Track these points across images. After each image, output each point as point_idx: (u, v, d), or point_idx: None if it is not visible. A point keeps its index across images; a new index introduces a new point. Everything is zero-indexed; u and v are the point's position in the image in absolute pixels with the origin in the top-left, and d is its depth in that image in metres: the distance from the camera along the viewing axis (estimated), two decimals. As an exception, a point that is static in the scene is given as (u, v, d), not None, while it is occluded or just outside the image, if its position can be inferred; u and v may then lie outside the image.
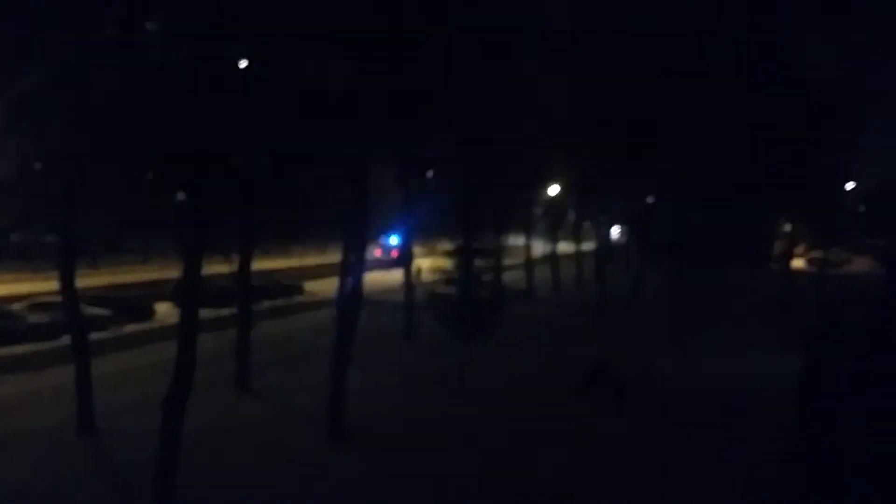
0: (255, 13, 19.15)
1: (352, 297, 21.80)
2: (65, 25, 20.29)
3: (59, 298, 22.39)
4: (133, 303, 35.23)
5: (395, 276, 38.96)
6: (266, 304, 38.95)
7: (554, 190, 55.85)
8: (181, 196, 21.94)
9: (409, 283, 34.88)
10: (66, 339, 23.20)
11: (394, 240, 46.53)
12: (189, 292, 16.10)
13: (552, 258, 56.05)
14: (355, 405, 21.38)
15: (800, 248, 69.69)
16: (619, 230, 61.72)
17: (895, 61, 32.91)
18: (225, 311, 29.14)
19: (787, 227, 59.89)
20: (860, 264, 70.60)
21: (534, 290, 50.05)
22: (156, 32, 21.90)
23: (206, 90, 15.92)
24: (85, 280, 28.20)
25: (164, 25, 21.24)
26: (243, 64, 22.23)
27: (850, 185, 59.02)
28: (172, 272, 27.17)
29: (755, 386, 26.13)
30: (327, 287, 34.70)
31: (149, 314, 34.96)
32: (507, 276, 46.87)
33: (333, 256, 31.39)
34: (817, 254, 61.30)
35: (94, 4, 19.81)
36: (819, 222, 54.78)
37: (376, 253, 49.43)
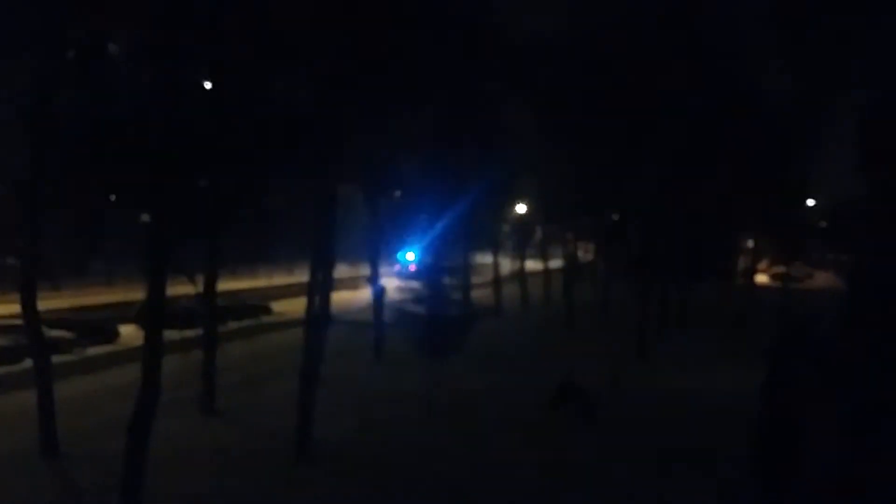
0: (220, 36, 19.15)
1: (320, 317, 21.77)
2: (26, 50, 20.18)
3: (20, 321, 22.09)
4: (97, 325, 34.78)
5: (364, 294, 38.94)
6: (233, 324, 38.70)
7: (521, 208, 56.27)
8: (145, 217, 21.84)
9: (378, 302, 34.85)
10: (28, 363, 22.86)
11: (410, 255, 47.22)
12: (153, 314, 16.00)
13: (520, 276, 56.33)
14: (323, 426, 21.29)
15: (763, 264, 70.75)
16: (580, 248, 62.34)
17: (855, 76, 33.57)
18: (190, 333, 28.92)
19: (750, 243, 60.74)
20: (822, 279, 71.81)
21: (502, 307, 50.24)
22: (118, 56, 21.80)
23: (169, 112, 15.91)
24: (48, 302, 27.87)
25: (127, 49, 21.16)
26: (208, 85, 22.19)
27: (810, 202, 60.03)
28: (137, 294, 26.99)
29: (721, 400, 26.42)
30: (295, 307, 34.54)
31: (113, 336, 34.55)
32: (476, 294, 47.01)
33: (301, 276, 31.30)
34: (780, 269, 62.22)
35: (55, 28, 19.67)
36: (781, 238, 55.62)
37: (396, 268, 50.95)
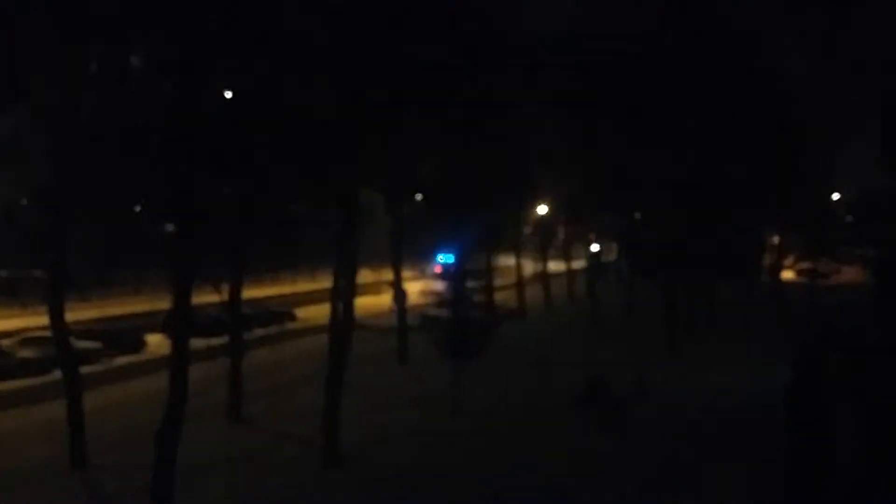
0: (241, 45, 19.24)
1: (344, 323, 21.80)
2: (50, 61, 20.37)
3: (48, 333, 22.29)
4: (124, 335, 35.07)
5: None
6: (258, 331, 38.86)
7: (543, 209, 56.07)
8: (170, 227, 21.99)
9: (402, 307, 34.86)
10: (57, 374, 23.05)
11: (446, 259, 49.38)
12: (180, 323, 16.09)
13: (543, 277, 56.15)
14: (351, 430, 21.30)
15: (789, 260, 70.00)
16: (599, 248, 62.41)
17: (878, 71, 33.20)
18: (216, 341, 29.05)
19: (776, 240, 60.18)
20: (850, 274, 70.92)
21: (526, 309, 50.11)
22: (141, 66, 21.98)
23: (192, 121, 16.02)
24: (75, 313, 28.10)
25: (149, 59, 21.33)
26: (228, 94, 22.31)
27: (835, 196, 59.42)
28: (163, 303, 27.14)
29: (752, 399, 26.06)
30: (320, 313, 34.64)
31: (140, 346, 34.82)
32: (499, 296, 46.91)
33: (325, 282, 31.40)
34: (806, 265, 61.55)
35: (78, 40, 19.87)
36: (807, 233, 55.05)
37: (437, 269, 51.76)
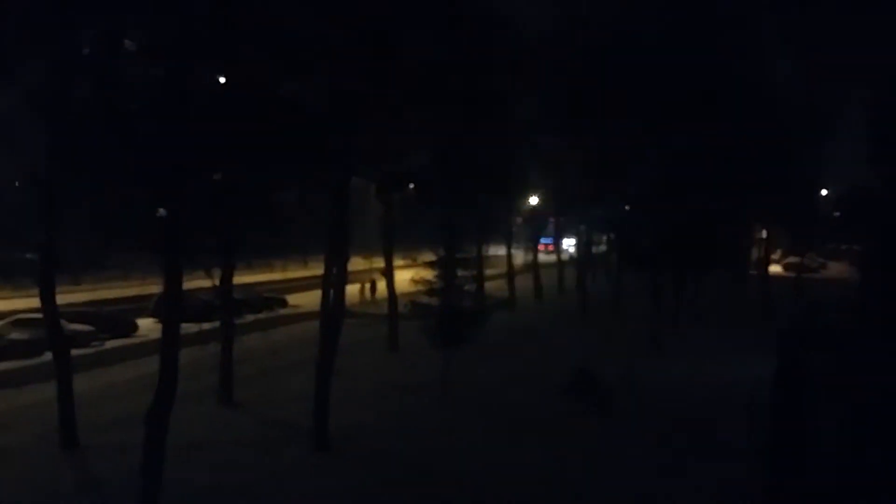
0: (233, 31, 19.33)
1: (335, 309, 22.01)
2: (42, 42, 20.41)
3: (40, 315, 22.43)
4: (115, 318, 35.21)
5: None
6: (249, 317, 39.04)
7: (534, 200, 56.32)
8: (162, 211, 22.06)
9: (393, 294, 35.07)
10: (48, 356, 23.18)
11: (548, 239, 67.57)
12: (170, 307, 16.23)
13: (533, 267, 56.46)
14: (340, 416, 21.56)
15: (776, 254, 70.42)
16: (574, 241, 66.33)
17: (867, 65, 33.46)
18: (207, 326, 29.23)
19: (763, 233, 60.64)
20: (836, 269, 71.49)
21: (516, 299, 50.38)
22: (134, 50, 22.02)
23: (183, 106, 16.11)
24: (67, 296, 28.28)
25: (142, 43, 21.37)
26: (222, 80, 22.38)
27: (823, 192, 59.75)
28: (154, 287, 27.29)
29: (734, 390, 26.46)
30: (310, 300, 34.84)
31: (131, 329, 34.96)
32: (490, 286, 47.14)
33: (316, 269, 31.55)
34: (793, 259, 61.97)
35: (71, 22, 19.92)
36: (794, 228, 55.41)
37: (541, 247, 62.91)
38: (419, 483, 18.48)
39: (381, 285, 44.84)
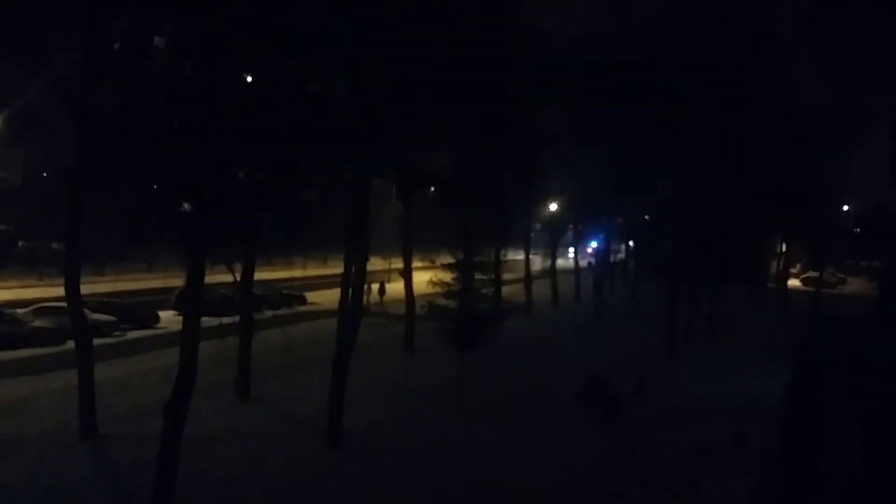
0: (259, 32, 19.65)
1: (353, 308, 22.27)
2: (73, 37, 20.80)
3: (63, 304, 22.79)
4: (138, 309, 35.64)
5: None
6: (268, 313, 39.34)
7: (553, 206, 56.41)
8: (186, 206, 22.42)
9: (410, 296, 35.28)
10: (70, 345, 23.50)
11: (593, 245, 68.15)
12: (192, 300, 16.51)
13: (551, 273, 56.53)
14: (355, 414, 21.82)
15: (796, 269, 70.00)
16: (573, 251, 66.12)
17: (889, 83, 33.31)
18: (227, 320, 29.57)
19: (783, 247, 60.38)
20: (856, 285, 70.96)
21: (532, 304, 50.48)
22: (163, 47, 22.40)
23: (210, 104, 16.39)
24: (91, 286, 28.61)
25: (171, 41, 21.74)
26: (249, 79, 22.73)
27: (845, 207, 59.42)
28: (177, 280, 27.67)
29: (746, 404, 26.49)
30: (329, 297, 35.12)
31: (153, 321, 35.38)
32: (507, 291, 47.29)
33: (335, 268, 31.82)
34: (813, 274, 61.60)
35: (101, 18, 20.29)
36: (814, 243, 55.13)
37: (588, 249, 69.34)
38: (427, 482, 18.68)
39: (391, 287, 45.21)
